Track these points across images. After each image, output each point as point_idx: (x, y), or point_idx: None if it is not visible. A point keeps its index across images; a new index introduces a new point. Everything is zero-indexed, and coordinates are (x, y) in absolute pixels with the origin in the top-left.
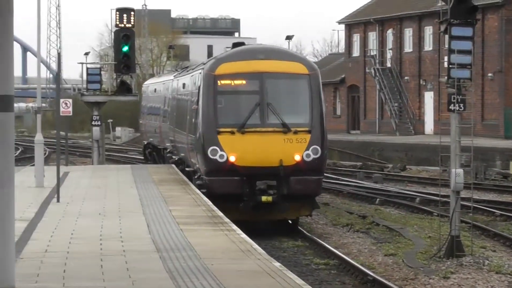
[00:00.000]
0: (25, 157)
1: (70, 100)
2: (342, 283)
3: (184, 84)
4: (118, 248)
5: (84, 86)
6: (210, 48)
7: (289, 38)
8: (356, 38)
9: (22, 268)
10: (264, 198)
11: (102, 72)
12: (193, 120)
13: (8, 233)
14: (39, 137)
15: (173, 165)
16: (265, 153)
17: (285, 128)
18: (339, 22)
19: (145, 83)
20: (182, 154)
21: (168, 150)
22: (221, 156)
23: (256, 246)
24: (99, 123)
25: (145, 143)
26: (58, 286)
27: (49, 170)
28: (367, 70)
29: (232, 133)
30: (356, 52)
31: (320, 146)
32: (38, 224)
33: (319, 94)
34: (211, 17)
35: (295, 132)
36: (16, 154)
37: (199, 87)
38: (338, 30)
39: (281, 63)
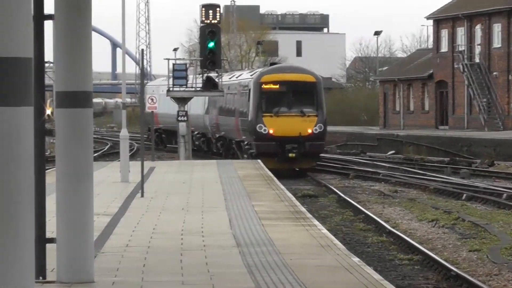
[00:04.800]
0: (113, 152)
1: (156, 96)
2: (425, 278)
3: (232, 86)
4: (198, 243)
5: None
6: (299, 43)
7: (377, 33)
8: (444, 33)
9: (103, 263)
10: (290, 154)
11: (192, 68)
12: (244, 111)
13: (87, 227)
14: (124, 133)
15: (259, 161)
16: (290, 128)
17: (302, 114)
18: (428, 18)
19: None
20: (223, 133)
21: (197, 132)
22: (264, 130)
23: (336, 241)
24: (185, 118)
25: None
26: (137, 280)
27: (135, 165)
28: (455, 66)
29: (271, 116)
30: (444, 47)
31: (322, 124)
32: (121, 219)
33: (322, 93)
34: (300, 13)
35: (308, 116)
36: (105, 149)
37: (249, 89)
38: (427, 26)
39: (299, 75)
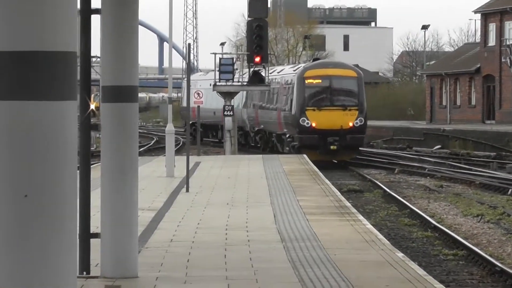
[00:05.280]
0: (159, 147)
1: (203, 91)
2: (470, 273)
3: (274, 81)
4: (243, 238)
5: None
6: (346, 38)
7: (425, 27)
8: (492, 27)
9: (147, 258)
10: (332, 147)
11: (238, 62)
12: (287, 104)
13: (131, 222)
14: (170, 127)
15: (305, 155)
16: (332, 121)
17: (344, 107)
18: (475, 11)
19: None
20: (262, 126)
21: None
22: (307, 123)
23: (381, 236)
24: (231, 113)
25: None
26: (181, 275)
27: (180, 160)
28: (502, 60)
29: (314, 110)
30: (491, 41)
31: (363, 117)
32: (165, 214)
33: (363, 88)
34: (348, 7)
35: (349, 110)
36: (150, 144)
37: (293, 84)
38: (475, 20)
39: (341, 70)
